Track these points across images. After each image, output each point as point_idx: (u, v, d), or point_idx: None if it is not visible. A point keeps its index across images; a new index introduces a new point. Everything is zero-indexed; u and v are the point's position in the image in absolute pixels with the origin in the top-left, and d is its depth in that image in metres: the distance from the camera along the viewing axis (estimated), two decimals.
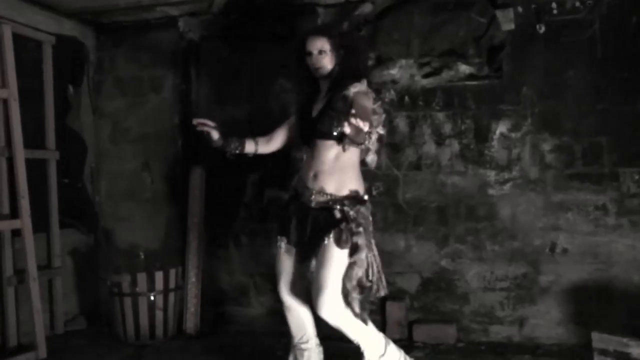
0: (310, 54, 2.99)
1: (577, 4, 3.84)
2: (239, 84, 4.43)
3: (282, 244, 3.12)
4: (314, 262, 2.99)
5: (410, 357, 3.68)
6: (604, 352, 3.22)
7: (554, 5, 3.88)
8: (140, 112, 4.65)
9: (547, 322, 3.89)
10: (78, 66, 4.63)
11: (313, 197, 2.96)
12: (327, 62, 2.99)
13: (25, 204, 3.81)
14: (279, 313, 4.25)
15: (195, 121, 3.19)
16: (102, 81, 4.74)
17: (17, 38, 3.96)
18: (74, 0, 4.19)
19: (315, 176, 2.97)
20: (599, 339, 3.25)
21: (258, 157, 4.30)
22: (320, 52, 2.98)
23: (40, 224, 4.12)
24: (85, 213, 4.58)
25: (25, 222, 3.79)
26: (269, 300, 4.34)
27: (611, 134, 3.81)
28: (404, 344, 3.91)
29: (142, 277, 4.01)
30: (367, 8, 4.17)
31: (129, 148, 4.67)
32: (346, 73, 2.99)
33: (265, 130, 4.27)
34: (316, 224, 2.94)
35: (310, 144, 3.03)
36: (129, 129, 4.68)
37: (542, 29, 3.89)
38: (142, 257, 4.27)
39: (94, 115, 4.73)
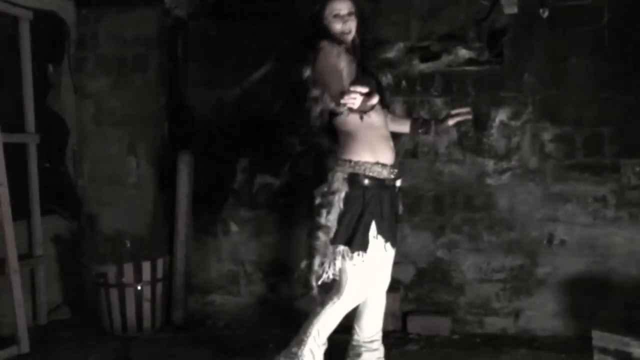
0: (337, 16, 2.79)
1: None
2: (228, 65, 4.23)
3: (383, 244, 2.82)
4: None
5: (405, 349, 3.66)
6: (604, 350, 3.17)
7: None
8: (124, 93, 4.43)
9: (542, 314, 3.84)
10: (58, 43, 4.40)
11: (394, 174, 2.83)
12: (354, 27, 2.82)
13: (4, 192, 3.61)
14: (269, 302, 4.23)
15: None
16: (84, 59, 4.49)
17: None
18: None
19: (392, 149, 2.84)
20: (599, 338, 3.20)
21: (250, 142, 4.22)
22: (350, 14, 2.81)
23: (21, 210, 3.94)
24: (68, 198, 4.41)
25: (4, 211, 3.60)
26: (259, 289, 4.25)
27: (613, 124, 3.72)
28: (398, 335, 3.87)
29: (128, 268, 3.87)
30: None
31: (113, 130, 4.46)
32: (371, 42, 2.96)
33: (254, 114, 4.22)
34: (396, 202, 2.89)
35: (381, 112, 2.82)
36: (113, 110, 4.47)
37: (546, 14, 3.73)
38: (128, 245, 4.11)
39: (76, 96, 4.50)
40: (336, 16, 2.79)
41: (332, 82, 2.60)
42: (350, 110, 2.45)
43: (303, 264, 2.84)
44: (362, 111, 2.47)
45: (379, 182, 2.75)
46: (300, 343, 2.85)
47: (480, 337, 3.85)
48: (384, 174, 2.76)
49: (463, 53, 3.89)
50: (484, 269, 3.92)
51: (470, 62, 3.89)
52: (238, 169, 4.26)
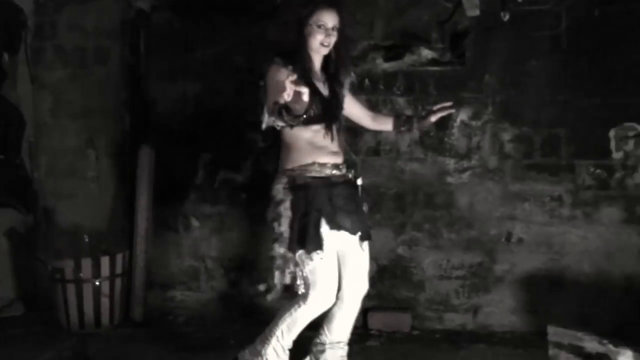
0: (321, 27, 2.78)
1: None
2: (191, 59, 4.18)
3: (348, 237, 2.81)
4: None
5: (365, 345, 3.69)
6: (558, 345, 3.24)
7: None
8: (84, 85, 4.33)
9: (500, 310, 3.93)
10: (14, 31, 4.27)
11: (343, 171, 2.86)
12: (333, 42, 2.82)
13: None
14: (230, 298, 4.20)
15: None
16: (42, 49, 4.37)
17: None
18: None
19: (335, 153, 2.85)
20: (554, 333, 3.28)
21: (212, 137, 4.19)
22: (334, 28, 2.80)
23: None
24: (24, 191, 4.28)
25: None
26: (220, 285, 4.23)
27: (569, 126, 3.83)
28: (359, 332, 3.88)
29: (86, 263, 3.79)
30: None
31: (71, 123, 4.36)
32: (347, 59, 2.95)
33: (216, 109, 4.20)
34: (358, 198, 2.91)
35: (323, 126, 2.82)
36: (71, 102, 4.36)
37: (507, 17, 3.81)
38: (86, 239, 4.04)
39: (33, 86, 4.38)
40: (320, 27, 2.78)
41: (270, 98, 2.62)
42: (285, 119, 2.53)
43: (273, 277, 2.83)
44: (291, 114, 2.51)
45: (322, 180, 2.77)
46: (264, 341, 2.85)
47: (440, 333, 3.92)
48: (326, 171, 2.79)
49: (426, 53, 3.96)
50: (443, 266, 3.99)
51: (432, 62, 3.96)
52: (200, 164, 4.22)
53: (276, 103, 2.48)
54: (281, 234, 2.75)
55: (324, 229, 2.73)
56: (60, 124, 4.39)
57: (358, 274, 2.93)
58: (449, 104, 3.09)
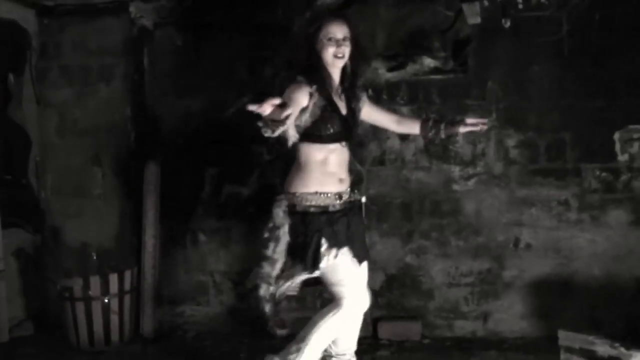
0: (331, 39, 2.77)
1: None
2: (195, 75, 4.21)
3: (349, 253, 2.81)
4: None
5: (376, 355, 3.68)
6: (569, 349, 3.24)
7: None
8: (89, 103, 4.36)
9: (510, 316, 3.93)
10: (19, 53, 4.30)
11: (345, 198, 2.84)
12: (347, 52, 2.81)
13: None
14: (239, 312, 4.20)
15: None
16: (47, 69, 4.41)
17: None
18: None
19: (342, 180, 2.84)
20: (565, 337, 3.27)
21: (218, 151, 4.20)
22: (345, 39, 2.79)
23: None
24: (31, 211, 4.30)
25: None
26: (229, 299, 4.22)
27: (574, 130, 3.84)
28: (369, 342, 3.88)
29: (95, 280, 3.80)
30: None
31: (77, 141, 4.38)
32: (359, 71, 2.94)
33: (221, 123, 4.21)
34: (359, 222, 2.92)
35: (343, 144, 2.84)
36: (77, 120, 4.39)
37: (508, 24, 3.84)
38: (94, 257, 4.04)
39: (38, 106, 4.41)
40: (330, 39, 2.78)
41: None
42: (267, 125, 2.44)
43: (261, 291, 2.86)
44: (274, 121, 2.40)
45: (321, 209, 2.77)
46: (298, 351, 2.83)
47: (451, 340, 3.91)
48: (327, 202, 2.78)
49: (428, 62, 3.97)
50: (452, 273, 3.98)
51: (435, 71, 3.97)
52: (206, 178, 4.23)
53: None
54: (272, 255, 2.77)
55: (324, 247, 2.73)
56: (66, 142, 4.42)
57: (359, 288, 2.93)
58: (483, 120, 3.10)
